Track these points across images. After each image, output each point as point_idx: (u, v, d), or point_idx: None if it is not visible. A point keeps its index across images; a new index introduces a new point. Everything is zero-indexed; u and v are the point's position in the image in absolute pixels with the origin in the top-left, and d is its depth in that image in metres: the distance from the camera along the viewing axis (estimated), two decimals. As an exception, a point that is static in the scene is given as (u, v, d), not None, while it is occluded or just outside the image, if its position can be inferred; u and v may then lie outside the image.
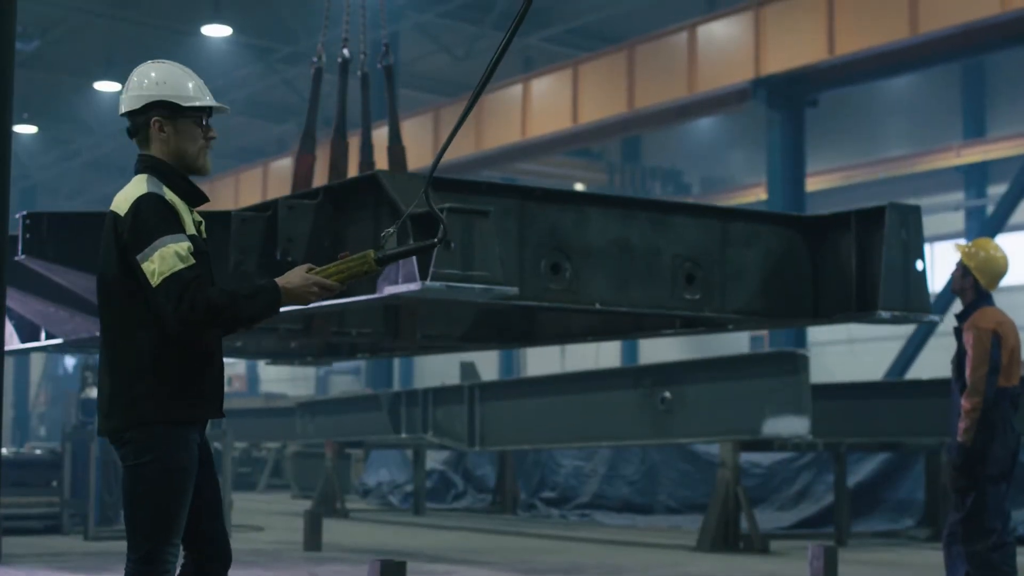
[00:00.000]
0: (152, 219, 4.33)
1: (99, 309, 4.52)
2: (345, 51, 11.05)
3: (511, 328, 11.47)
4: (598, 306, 8.42)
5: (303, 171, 10.91)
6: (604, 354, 34.24)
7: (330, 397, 27.91)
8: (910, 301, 8.74)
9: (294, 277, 4.43)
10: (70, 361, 53.12)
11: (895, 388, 15.59)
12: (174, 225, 4.36)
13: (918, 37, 19.29)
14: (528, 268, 8.11)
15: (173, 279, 4.25)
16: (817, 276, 9.09)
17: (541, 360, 36.68)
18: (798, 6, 21.05)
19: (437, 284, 7.36)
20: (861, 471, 14.72)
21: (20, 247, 8.74)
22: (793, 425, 12.10)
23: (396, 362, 33.49)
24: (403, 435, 16.85)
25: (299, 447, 23.85)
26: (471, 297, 7.68)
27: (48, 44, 30.53)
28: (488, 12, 28.32)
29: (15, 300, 10.23)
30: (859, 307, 8.79)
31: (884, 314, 8.61)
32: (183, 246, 4.31)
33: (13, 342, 11.35)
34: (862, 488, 14.60)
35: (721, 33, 22.59)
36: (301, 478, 24.00)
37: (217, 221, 8.56)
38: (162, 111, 4.52)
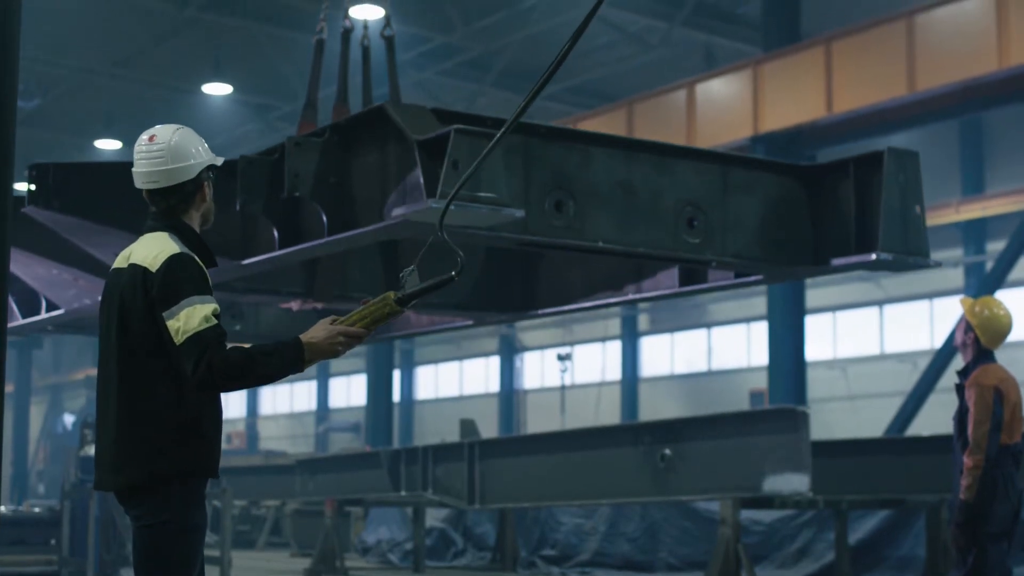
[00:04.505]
0: (183, 278, 4.36)
1: (117, 363, 4.47)
2: (347, 21, 11.07)
3: (511, 292, 11.35)
4: (601, 244, 8.38)
5: None
6: (604, 410, 34.20)
7: (330, 455, 27.86)
8: (909, 244, 8.72)
9: (319, 331, 4.40)
10: (69, 418, 53.13)
11: (896, 445, 15.52)
12: (203, 286, 4.38)
13: (916, 94, 19.37)
14: (532, 204, 8.07)
15: (195, 339, 4.26)
16: (816, 222, 9.08)
17: (541, 417, 36.66)
18: (796, 63, 21.16)
19: (444, 204, 7.29)
20: (862, 528, 14.65)
21: (26, 199, 8.71)
22: (793, 482, 12.04)
23: (396, 419, 33.41)
24: (403, 493, 16.77)
25: (298, 505, 23.74)
26: (478, 220, 7.55)
27: (49, 102, 30.67)
28: (487, 71, 28.46)
29: (18, 263, 10.16)
30: (858, 250, 8.77)
31: (884, 255, 8.58)
32: (209, 308, 4.32)
33: (14, 317, 11.24)
34: (863, 545, 14.52)
35: (720, 90, 22.71)
36: (300, 536, 23.89)
37: (223, 168, 8.55)
38: (208, 173, 4.68)
